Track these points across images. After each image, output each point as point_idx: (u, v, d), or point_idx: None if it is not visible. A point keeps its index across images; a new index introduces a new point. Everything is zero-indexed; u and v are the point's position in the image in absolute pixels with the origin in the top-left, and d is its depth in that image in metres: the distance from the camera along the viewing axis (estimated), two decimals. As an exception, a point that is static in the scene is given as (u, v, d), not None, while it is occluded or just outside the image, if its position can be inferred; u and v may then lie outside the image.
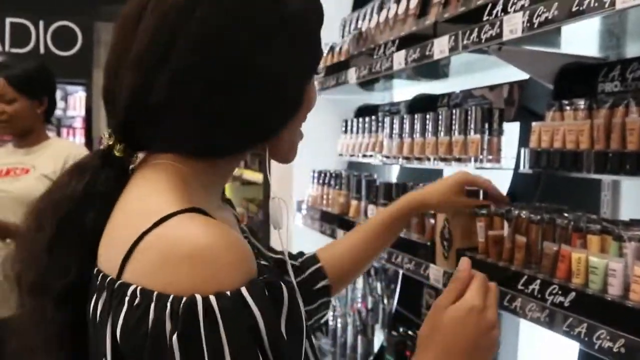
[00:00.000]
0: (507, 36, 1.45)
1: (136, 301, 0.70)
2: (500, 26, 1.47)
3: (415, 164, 2.31)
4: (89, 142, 6.44)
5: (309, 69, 0.88)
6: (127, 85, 0.79)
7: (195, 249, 0.70)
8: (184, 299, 0.68)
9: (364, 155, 2.73)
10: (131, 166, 0.86)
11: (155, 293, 0.69)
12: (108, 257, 0.77)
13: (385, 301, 3.00)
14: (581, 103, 1.54)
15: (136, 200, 0.80)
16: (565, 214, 1.43)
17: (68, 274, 0.79)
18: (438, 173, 2.64)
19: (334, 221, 2.71)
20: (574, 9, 1.25)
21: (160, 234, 0.72)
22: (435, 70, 2.47)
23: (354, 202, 2.56)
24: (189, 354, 0.67)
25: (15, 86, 2.65)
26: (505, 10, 1.47)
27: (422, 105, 2.64)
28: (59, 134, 5.94)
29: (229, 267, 0.71)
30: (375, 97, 3.24)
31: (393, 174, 3.02)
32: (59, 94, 5.60)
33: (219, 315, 0.68)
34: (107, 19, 5.78)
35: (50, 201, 0.82)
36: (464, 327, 0.83)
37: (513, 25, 1.42)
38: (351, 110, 3.27)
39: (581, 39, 1.77)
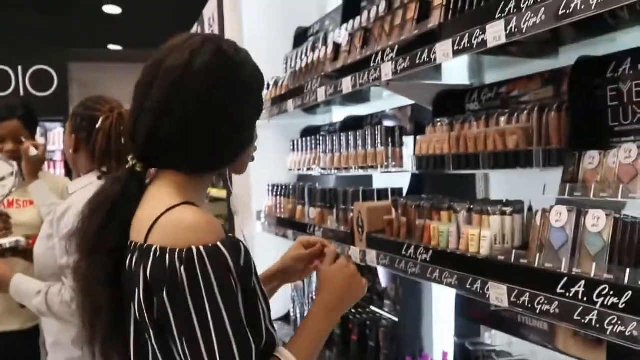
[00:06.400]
0: (384, 77, 2.07)
1: (158, 254, 1.14)
2: (379, 70, 2.09)
3: (344, 173, 2.90)
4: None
5: (258, 114, 1.34)
6: (145, 126, 1.25)
7: (191, 223, 1.16)
8: (185, 249, 1.13)
9: (308, 169, 3.32)
10: (147, 180, 1.31)
11: (168, 248, 1.14)
12: (137, 232, 1.22)
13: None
14: (446, 120, 2.16)
15: (153, 198, 1.25)
16: (431, 199, 2.04)
17: (113, 241, 1.25)
18: (367, 179, 3.24)
19: (286, 225, 3.29)
20: (418, 61, 1.87)
21: (170, 216, 1.18)
22: (360, 96, 3.08)
23: (299, 207, 3.15)
24: (190, 279, 1.12)
25: (29, 127, 2.89)
26: (383, 60, 2.09)
27: (353, 124, 3.23)
28: (40, 167, 6.32)
29: (210, 233, 1.16)
30: (318, 119, 3.85)
31: (332, 183, 3.61)
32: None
33: (205, 257, 1.13)
34: (79, 60, 6.21)
35: (97, 198, 1.30)
36: (342, 275, 1.42)
37: (387, 71, 2.04)
38: (297, 131, 3.85)
39: (456, 71, 2.39)
